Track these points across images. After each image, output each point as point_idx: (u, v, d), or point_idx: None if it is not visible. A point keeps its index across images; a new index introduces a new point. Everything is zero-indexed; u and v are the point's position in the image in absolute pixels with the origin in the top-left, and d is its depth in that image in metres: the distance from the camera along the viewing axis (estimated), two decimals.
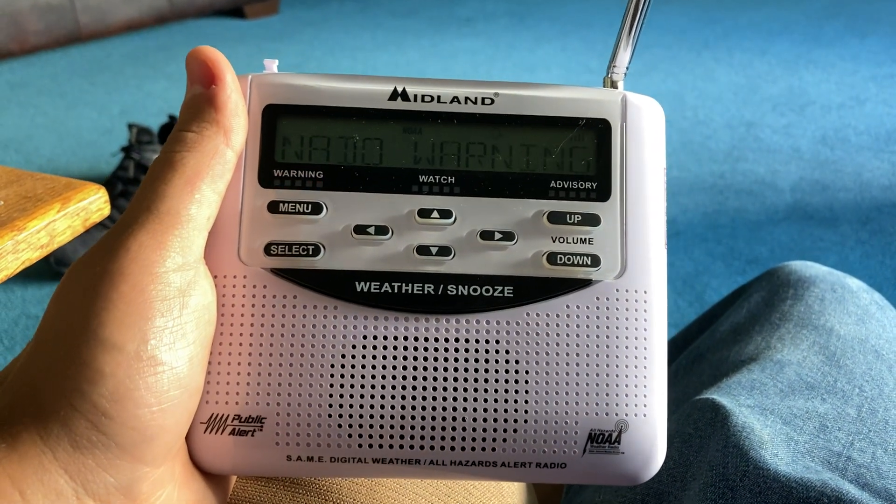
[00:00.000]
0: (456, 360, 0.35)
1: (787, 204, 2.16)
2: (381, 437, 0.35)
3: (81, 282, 0.31)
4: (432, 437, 0.35)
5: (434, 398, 0.35)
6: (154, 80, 3.01)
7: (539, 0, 4.14)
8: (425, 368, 0.35)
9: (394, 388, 0.35)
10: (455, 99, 0.37)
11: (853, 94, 2.87)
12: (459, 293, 0.36)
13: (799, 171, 2.33)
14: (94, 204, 0.56)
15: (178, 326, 0.31)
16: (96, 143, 2.51)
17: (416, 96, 0.37)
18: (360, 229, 0.36)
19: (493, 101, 0.37)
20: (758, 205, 2.16)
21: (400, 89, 0.37)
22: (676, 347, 0.75)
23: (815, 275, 0.68)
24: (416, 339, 0.35)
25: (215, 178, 0.33)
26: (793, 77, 3.04)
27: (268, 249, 0.36)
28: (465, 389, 0.35)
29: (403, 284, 0.36)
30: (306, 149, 0.37)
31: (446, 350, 0.35)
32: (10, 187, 0.55)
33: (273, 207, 0.36)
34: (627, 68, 0.39)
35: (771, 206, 2.15)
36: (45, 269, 1.82)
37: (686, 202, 2.17)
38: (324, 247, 0.36)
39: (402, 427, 0.35)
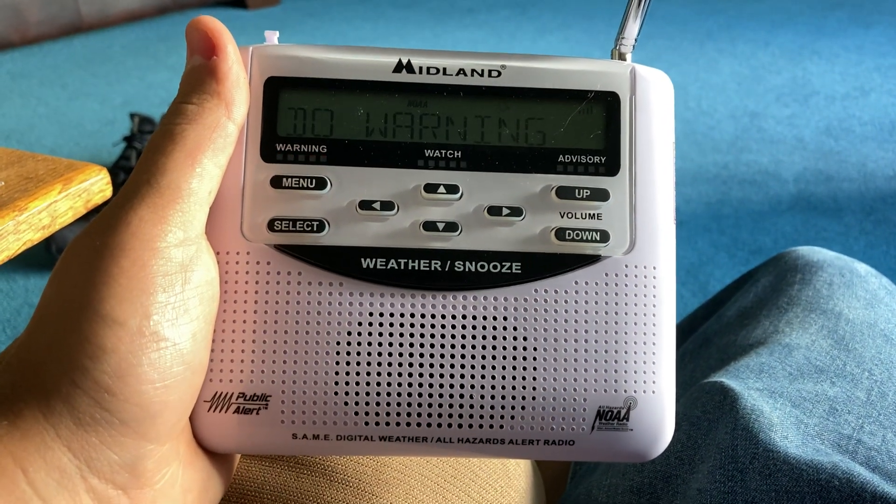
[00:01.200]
0: (463, 336, 0.35)
1: (790, 194, 2.15)
2: (387, 414, 0.34)
3: (81, 257, 0.30)
4: (439, 415, 0.35)
5: (441, 375, 0.35)
6: (156, 71, 3.00)
7: None
8: (432, 345, 0.35)
9: (400, 365, 0.34)
10: (461, 71, 0.37)
11: (857, 85, 2.85)
12: (467, 269, 0.35)
13: (803, 162, 2.32)
14: (96, 185, 0.55)
15: (180, 302, 0.31)
16: (98, 134, 2.51)
17: (421, 68, 0.37)
18: (366, 205, 0.35)
19: (500, 74, 0.37)
20: (761, 195, 2.15)
21: (405, 61, 0.37)
22: (682, 333, 0.74)
23: (822, 259, 0.67)
24: (422, 315, 0.35)
25: (217, 152, 0.33)
26: (797, 67, 3.03)
27: (271, 225, 0.35)
28: (473, 366, 0.35)
29: (410, 261, 0.35)
30: (309, 122, 0.36)
31: (453, 327, 0.35)
32: (12, 168, 0.54)
33: (276, 182, 0.35)
34: (636, 40, 0.39)
35: (775, 197, 2.14)
36: (48, 259, 1.81)
37: (690, 192, 2.16)
38: (328, 222, 0.35)
39: (409, 404, 0.34)
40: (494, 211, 0.36)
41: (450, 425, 0.35)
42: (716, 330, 0.66)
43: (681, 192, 2.15)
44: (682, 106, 2.70)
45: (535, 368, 0.35)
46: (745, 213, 2.06)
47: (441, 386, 0.35)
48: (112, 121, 2.59)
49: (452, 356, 0.35)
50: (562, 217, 0.36)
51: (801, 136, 2.48)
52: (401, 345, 0.35)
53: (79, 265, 0.30)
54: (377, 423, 0.34)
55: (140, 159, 0.32)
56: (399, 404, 0.34)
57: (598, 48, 3.23)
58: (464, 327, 0.35)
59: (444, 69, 0.37)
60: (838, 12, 3.66)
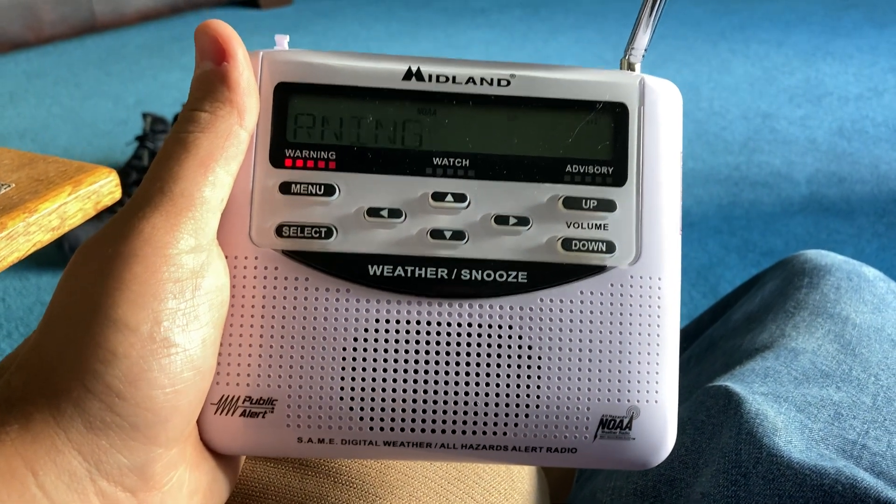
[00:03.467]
0: (468, 344, 0.35)
1: (802, 196, 2.14)
2: (392, 419, 0.35)
3: (93, 263, 0.31)
4: (444, 421, 0.35)
5: (446, 382, 0.35)
6: (169, 71, 3.02)
7: None
8: (437, 353, 0.35)
9: (405, 371, 0.35)
10: (470, 80, 0.37)
11: (871, 86, 2.84)
12: (473, 278, 0.36)
13: (815, 163, 2.31)
14: (106, 187, 0.56)
15: (190, 308, 0.31)
16: (111, 133, 2.52)
17: (430, 76, 0.37)
18: (374, 212, 0.36)
19: (509, 83, 0.37)
20: (773, 196, 2.14)
21: (414, 69, 0.37)
22: (688, 336, 0.74)
23: (830, 263, 0.67)
24: (428, 323, 0.35)
25: (229, 160, 0.33)
26: (810, 68, 3.02)
27: (279, 231, 0.35)
28: (478, 374, 0.35)
29: (417, 268, 0.35)
30: (318, 129, 0.36)
31: (459, 335, 0.35)
32: (22, 170, 0.55)
33: (285, 188, 0.36)
34: (646, 50, 0.39)
35: (786, 198, 2.13)
36: (60, 257, 1.83)
37: (701, 193, 2.16)
38: (336, 229, 0.35)
39: (414, 410, 0.35)
40: (501, 220, 0.36)
41: (454, 431, 0.35)
42: (722, 334, 0.66)
43: (692, 193, 2.15)
44: (694, 106, 2.69)
45: (538, 377, 0.35)
46: (756, 215, 2.06)
47: (446, 393, 0.35)
48: (125, 120, 2.61)
49: (457, 363, 0.35)
50: (568, 227, 0.36)
51: (813, 137, 2.47)
52: (406, 351, 0.35)
53: (90, 271, 0.31)
54: (382, 429, 0.35)
55: (152, 166, 0.33)
56: (404, 410, 0.35)
57: (611, 48, 3.22)
58: (469, 335, 0.35)
59: (454, 77, 0.37)
60: (852, 13, 3.64)
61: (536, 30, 3.52)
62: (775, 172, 2.26)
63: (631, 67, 0.39)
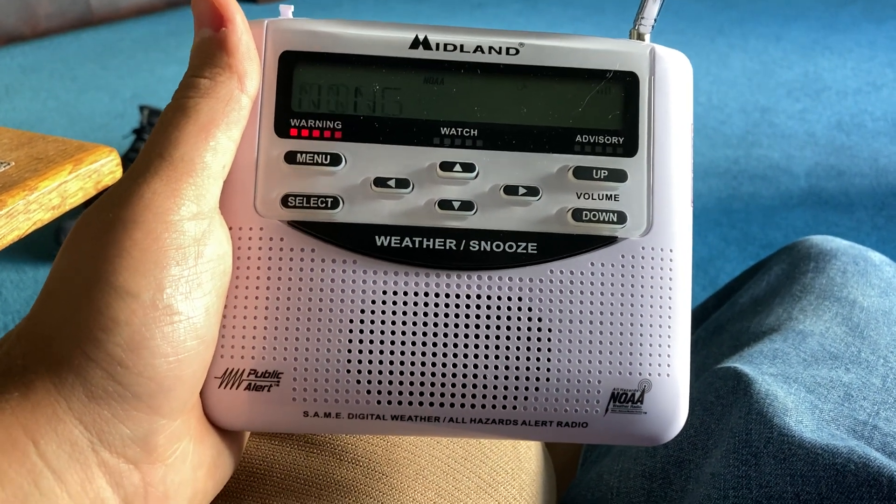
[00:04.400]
0: (478, 316, 0.35)
1: (801, 189, 2.14)
2: (400, 393, 0.34)
3: (93, 230, 0.30)
4: (452, 395, 0.34)
5: (455, 355, 0.34)
6: (165, 64, 3.01)
7: None
8: (446, 325, 0.34)
9: (414, 344, 0.34)
10: (479, 48, 0.36)
11: (870, 80, 2.84)
12: (482, 249, 0.35)
13: (814, 157, 2.31)
14: (107, 166, 0.55)
15: (193, 276, 0.31)
16: (108, 127, 2.51)
17: (438, 45, 0.36)
18: (381, 182, 0.35)
19: (517, 52, 0.36)
20: (772, 190, 2.14)
21: (422, 37, 0.36)
22: (694, 321, 0.74)
23: (836, 248, 0.67)
24: (436, 294, 0.35)
25: (230, 125, 0.32)
26: (808, 63, 3.02)
27: (285, 201, 0.35)
28: (487, 346, 0.34)
29: (424, 239, 0.35)
30: (324, 98, 0.36)
31: (468, 307, 0.35)
32: (22, 149, 0.54)
33: (290, 158, 0.35)
34: (655, 20, 0.38)
35: (786, 192, 2.13)
36: (57, 249, 1.82)
37: (700, 187, 2.15)
38: (343, 199, 0.35)
39: (422, 384, 0.34)
40: (510, 190, 0.35)
41: (462, 405, 0.34)
42: (728, 317, 0.65)
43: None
44: (693, 100, 2.68)
45: (549, 349, 0.35)
46: (755, 208, 2.05)
47: (454, 366, 0.34)
48: (122, 114, 2.60)
49: (466, 336, 0.34)
50: (579, 198, 0.36)
51: (812, 130, 2.47)
52: (414, 323, 0.34)
53: (91, 238, 0.30)
54: (389, 402, 0.34)
55: (152, 133, 0.32)
56: (412, 383, 0.34)
57: None
58: (478, 307, 0.35)
59: (462, 46, 0.36)
60: (850, 7, 3.64)
61: (535, 23, 3.52)
62: (774, 166, 2.26)
63: (640, 37, 0.38)
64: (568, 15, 3.61)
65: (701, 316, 0.74)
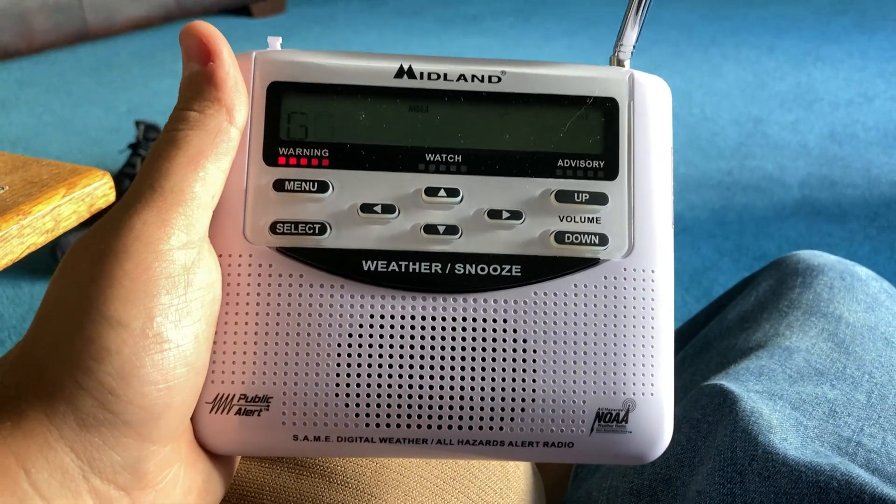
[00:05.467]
0: (463, 339, 0.35)
1: (794, 200, 2.15)
2: (388, 416, 0.35)
3: (85, 259, 0.31)
4: (440, 416, 0.35)
5: (441, 377, 0.35)
6: (161, 79, 3.01)
7: None
8: (433, 347, 0.35)
9: (401, 367, 0.35)
10: (462, 77, 0.37)
11: (861, 91, 2.85)
12: (467, 272, 0.36)
13: (807, 167, 2.32)
14: (100, 189, 0.56)
15: (183, 304, 0.31)
16: (104, 141, 2.52)
17: (422, 74, 0.37)
18: (367, 208, 0.36)
19: (500, 80, 0.37)
20: (765, 201, 2.15)
21: (406, 67, 0.37)
22: (683, 337, 0.74)
23: (823, 263, 0.67)
24: (423, 318, 0.35)
25: (219, 156, 0.33)
26: (801, 73, 3.03)
27: (273, 228, 0.35)
28: (473, 368, 0.35)
29: (411, 263, 0.35)
30: (312, 127, 0.37)
31: (454, 329, 0.35)
32: (16, 173, 0.55)
33: (278, 185, 0.36)
34: (634, 47, 0.39)
35: (779, 202, 2.14)
36: (53, 265, 1.82)
37: (694, 198, 2.16)
38: (330, 225, 0.36)
39: (410, 406, 0.35)
40: (494, 214, 0.36)
41: (450, 427, 0.35)
42: (716, 334, 0.66)
43: (685, 197, 2.15)
44: (686, 112, 2.70)
45: (534, 370, 0.35)
46: (749, 219, 2.06)
47: (441, 388, 0.35)
48: (117, 128, 2.60)
49: (452, 358, 0.35)
50: (561, 220, 0.36)
51: (805, 141, 2.48)
52: (401, 346, 0.35)
53: (82, 267, 0.30)
54: (378, 425, 0.35)
55: (143, 164, 0.33)
56: (399, 406, 0.35)
57: (603, 54, 3.21)
58: (464, 329, 0.35)
59: (445, 75, 0.37)
60: (842, 18, 3.66)
61: (529, 36, 3.53)
62: (767, 177, 2.27)
63: (620, 64, 0.39)
64: (562, 28, 3.62)
65: (690, 331, 0.74)
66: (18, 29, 2.90)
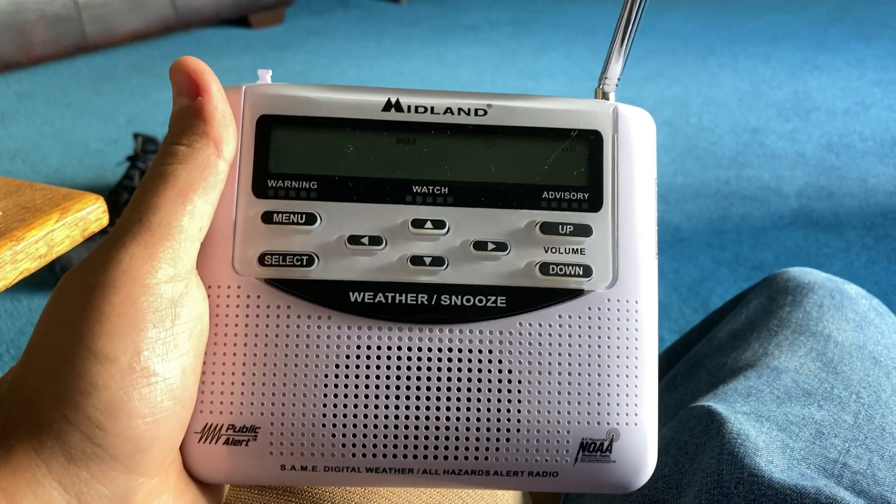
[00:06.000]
0: (449, 369, 0.36)
1: (792, 210, 2.15)
2: (374, 446, 0.35)
3: (73, 294, 0.31)
4: (425, 447, 0.35)
5: (427, 407, 0.35)
6: (160, 90, 3.02)
7: (543, 8, 4.15)
8: (418, 378, 0.35)
9: (387, 397, 0.35)
10: (448, 110, 0.38)
11: (858, 100, 2.86)
12: (453, 303, 0.36)
13: (804, 177, 2.32)
14: (93, 214, 0.56)
15: (170, 337, 0.32)
16: (102, 153, 2.52)
17: (409, 107, 0.38)
18: (354, 239, 0.36)
19: (486, 113, 0.38)
20: (763, 211, 2.15)
21: (394, 100, 0.38)
22: (676, 353, 0.75)
23: (813, 281, 0.68)
24: (409, 348, 0.36)
25: (207, 190, 0.34)
26: (798, 82, 3.04)
27: (262, 260, 0.36)
28: (458, 399, 0.35)
29: (397, 294, 0.36)
30: (300, 159, 0.37)
31: (439, 360, 0.36)
32: (10, 198, 0.55)
33: (267, 218, 0.36)
34: (619, 79, 0.40)
35: (776, 212, 2.14)
36: (51, 278, 1.82)
37: (691, 208, 2.17)
38: (318, 257, 0.36)
39: (396, 436, 0.35)
40: (480, 246, 0.37)
41: (436, 457, 0.35)
42: (707, 352, 0.66)
43: (682, 208, 2.16)
44: (684, 121, 2.70)
45: (519, 401, 0.36)
46: (746, 229, 2.07)
47: (427, 418, 0.35)
48: (116, 139, 2.61)
49: (438, 388, 0.35)
50: (546, 252, 0.37)
51: (802, 151, 2.49)
52: (387, 377, 0.35)
53: (71, 302, 0.31)
54: (364, 455, 0.35)
55: (132, 199, 0.33)
56: (386, 436, 0.35)
57: (600, 64, 3.22)
58: (449, 360, 0.36)
59: (432, 108, 0.38)
60: (839, 27, 3.67)
61: (526, 46, 3.54)
62: (765, 187, 2.28)
63: (605, 96, 0.40)
64: (560, 38, 3.63)
65: (682, 348, 0.75)
66: (17, 40, 2.91)
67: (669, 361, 0.74)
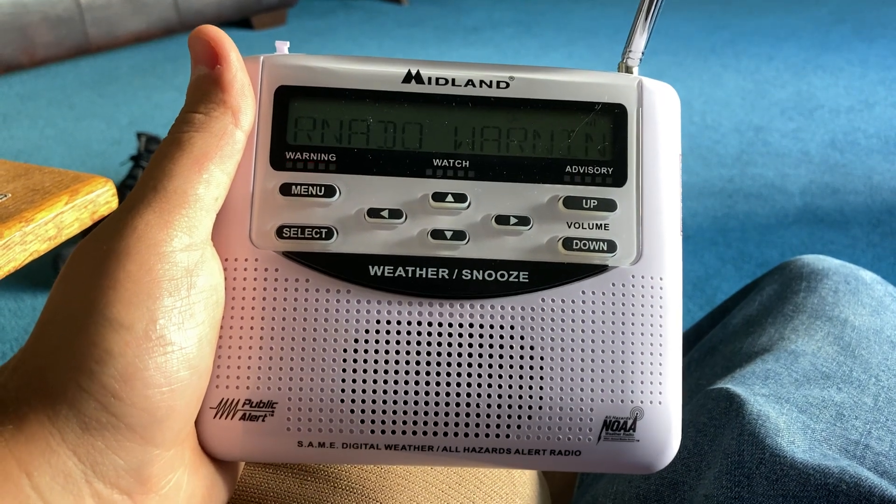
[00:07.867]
0: (470, 345, 0.35)
1: (796, 207, 2.15)
2: (393, 422, 0.34)
3: (87, 262, 0.31)
4: (445, 424, 0.35)
5: (448, 384, 0.35)
6: (162, 91, 3.02)
7: (545, 9, 4.15)
8: (439, 354, 0.35)
9: (407, 373, 0.35)
10: (470, 82, 0.37)
11: (862, 98, 2.86)
12: (474, 278, 0.35)
13: (808, 175, 2.32)
14: (102, 197, 0.56)
15: (186, 307, 0.31)
16: (105, 154, 2.52)
17: (430, 79, 0.37)
18: (374, 213, 0.36)
19: (508, 85, 0.37)
20: (767, 208, 2.15)
21: (414, 72, 0.37)
22: (688, 342, 0.74)
23: (827, 267, 0.67)
24: (429, 324, 0.35)
25: (224, 159, 0.33)
26: (801, 82, 3.04)
27: (280, 232, 0.35)
28: (479, 375, 0.35)
29: (417, 269, 0.35)
30: (319, 131, 0.36)
31: (460, 335, 0.35)
32: (19, 180, 0.55)
33: (285, 190, 0.36)
34: (643, 53, 0.39)
35: (781, 210, 2.14)
36: (55, 277, 1.81)
37: (696, 206, 2.16)
38: (337, 230, 0.35)
39: (416, 413, 0.34)
40: (502, 220, 0.36)
41: (455, 434, 0.35)
42: (721, 338, 0.66)
43: (687, 206, 2.15)
44: (687, 121, 2.70)
45: (541, 378, 0.35)
46: (751, 227, 2.06)
47: (447, 395, 0.35)
48: (119, 140, 2.61)
49: (459, 364, 0.35)
50: (569, 227, 0.36)
51: (806, 149, 2.48)
52: (407, 353, 0.35)
53: (85, 270, 0.30)
54: (383, 432, 0.34)
55: (148, 166, 0.33)
56: (405, 412, 0.34)
57: (602, 64, 3.24)
58: (470, 335, 0.35)
59: (453, 80, 0.37)
60: (842, 27, 3.67)
61: (528, 47, 3.54)
62: (769, 184, 2.27)
63: (628, 70, 0.39)
64: (562, 38, 3.63)
65: (695, 336, 0.74)
66: (20, 43, 2.91)
67: (682, 349, 0.74)
